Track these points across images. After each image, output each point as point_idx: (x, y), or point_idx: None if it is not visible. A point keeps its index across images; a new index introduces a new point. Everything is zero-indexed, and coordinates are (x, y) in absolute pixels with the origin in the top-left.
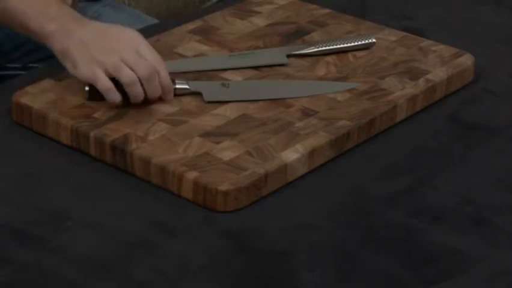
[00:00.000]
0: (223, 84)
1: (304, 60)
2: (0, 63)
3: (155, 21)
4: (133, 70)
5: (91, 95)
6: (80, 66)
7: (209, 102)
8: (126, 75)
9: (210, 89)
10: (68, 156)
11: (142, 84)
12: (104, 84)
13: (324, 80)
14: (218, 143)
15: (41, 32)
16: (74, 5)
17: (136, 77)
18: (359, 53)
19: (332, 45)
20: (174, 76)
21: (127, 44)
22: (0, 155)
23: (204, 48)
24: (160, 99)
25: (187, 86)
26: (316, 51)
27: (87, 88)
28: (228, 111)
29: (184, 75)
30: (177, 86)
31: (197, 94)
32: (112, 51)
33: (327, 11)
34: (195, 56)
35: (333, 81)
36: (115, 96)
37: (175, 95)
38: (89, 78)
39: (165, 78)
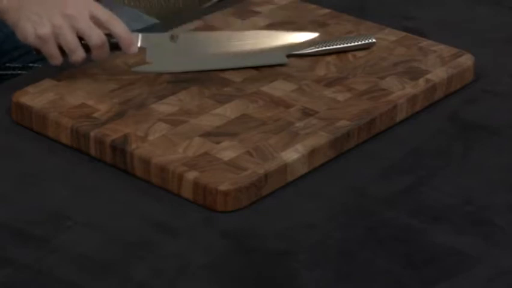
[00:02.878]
0: (172, 38)
1: (304, 60)
2: (0, 63)
3: (155, 21)
4: (84, 37)
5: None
6: (30, 34)
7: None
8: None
9: (155, 44)
10: (68, 156)
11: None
12: (50, 52)
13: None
14: (218, 143)
15: None
16: None
17: (80, 46)
18: (359, 53)
19: (332, 45)
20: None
21: (79, 9)
22: (0, 155)
23: None
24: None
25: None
26: (316, 51)
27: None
28: (228, 111)
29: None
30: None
31: (197, 93)
32: (64, 17)
33: (327, 11)
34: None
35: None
36: (57, 62)
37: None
38: (38, 45)
39: (124, 31)
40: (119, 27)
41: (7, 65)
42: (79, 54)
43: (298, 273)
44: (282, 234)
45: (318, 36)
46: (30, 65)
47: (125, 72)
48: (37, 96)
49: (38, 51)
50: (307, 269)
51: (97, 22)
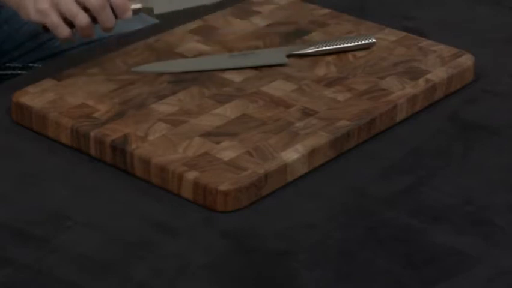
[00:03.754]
0: None
1: (304, 60)
2: (0, 63)
3: (155, 21)
4: (84, 3)
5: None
6: (31, 10)
7: (160, 14)
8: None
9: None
10: (68, 156)
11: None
12: (53, 21)
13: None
14: (218, 143)
15: None
16: None
17: (89, 20)
18: (359, 53)
19: (332, 45)
20: None
21: None
22: (0, 155)
23: (204, 48)
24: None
25: (139, 5)
26: (316, 51)
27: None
28: (228, 111)
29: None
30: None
31: (197, 93)
32: None
33: (327, 11)
34: (194, 56)
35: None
36: (65, 34)
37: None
38: (40, 19)
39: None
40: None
41: (7, 65)
42: (82, 19)
43: (298, 273)
44: (282, 234)
45: (318, 37)
46: (30, 65)
47: (125, 72)
48: (37, 96)
49: (46, 28)
50: (307, 269)
51: None
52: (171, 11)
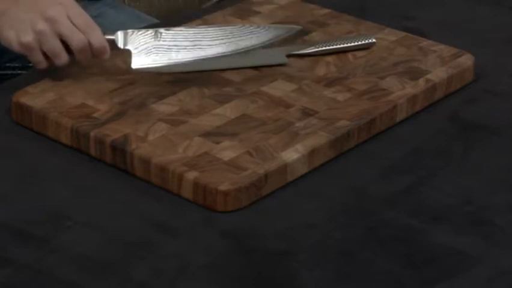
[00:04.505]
0: (156, 35)
1: (304, 60)
2: (0, 63)
3: (155, 21)
4: (66, 41)
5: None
6: (13, 42)
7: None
8: (48, 42)
9: (139, 46)
10: (68, 156)
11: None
12: (35, 59)
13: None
14: (218, 143)
15: None
16: None
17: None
18: (359, 53)
19: (332, 45)
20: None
21: (59, 12)
22: (0, 155)
23: None
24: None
25: (113, 37)
26: (316, 51)
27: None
28: (228, 111)
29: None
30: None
31: (197, 93)
32: (46, 20)
33: (327, 11)
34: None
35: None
36: (43, 67)
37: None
38: (23, 51)
39: (97, 40)
40: (94, 36)
41: (7, 65)
42: (62, 58)
43: (298, 273)
44: (282, 234)
45: (318, 37)
46: (30, 65)
47: (125, 72)
48: (37, 96)
49: (25, 56)
50: (307, 269)
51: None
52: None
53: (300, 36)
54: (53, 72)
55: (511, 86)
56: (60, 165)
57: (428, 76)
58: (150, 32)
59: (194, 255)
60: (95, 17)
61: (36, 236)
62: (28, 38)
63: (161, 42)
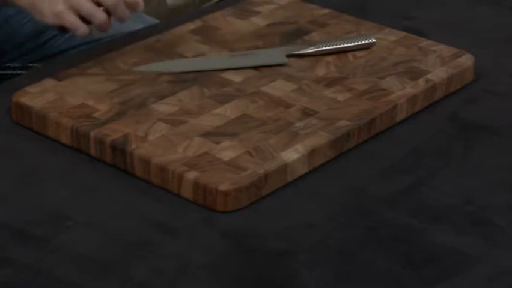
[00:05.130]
0: None
1: (304, 60)
2: (0, 63)
3: (155, 21)
4: (99, 1)
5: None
6: (47, 15)
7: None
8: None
9: None
10: (68, 156)
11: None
12: (68, 16)
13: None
14: (218, 143)
15: None
16: None
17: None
18: (359, 53)
19: (332, 45)
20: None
21: None
22: (0, 155)
23: (204, 48)
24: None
25: None
26: (316, 51)
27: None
28: (228, 111)
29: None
30: None
31: (197, 93)
32: None
33: (327, 11)
34: (194, 56)
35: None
36: (83, 31)
37: None
38: (57, 21)
39: None
40: None
41: (7, 65)
42: (100, 16)
43: (298, 273)
44: (282, 234)
45: (318, 37)
46: (30, 65)
47: (125, 72)
48: (37, 96)
49: (62, 29)
50: (307, 269)
51: None
52: (184, 2)
53: (300, 36)
54: (53, 72)
55: (511, 86)
56: (60, 165)
57: (428, 76)
58: None
59: (194, 255)
60: None
61: (36, 236)
62: (60, 6)
63: None
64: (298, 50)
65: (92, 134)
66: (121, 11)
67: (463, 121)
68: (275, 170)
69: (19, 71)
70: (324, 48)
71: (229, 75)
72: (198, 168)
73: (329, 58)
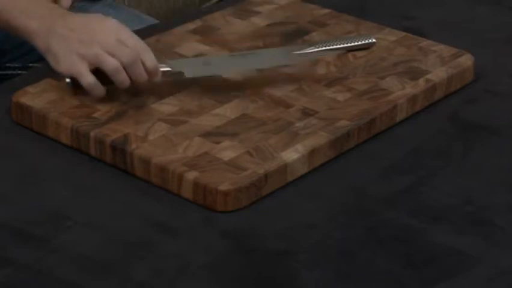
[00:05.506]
0: (205, 62)
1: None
2: (0, 63)
3: (155, 21)
4: (115, 58)
5: (74, 86)
6: (63, 62)
7: (190, 77)
8: (109, 64)
9: (190, 66)
10: (68, 156)
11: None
12: (88, 80)
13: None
14: (218, 143)
15: (24, 30)
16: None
17: (119, 64)
18: (359, 53)
19: (332, 45)
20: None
21: (107, 33)
22: (0, 155)
23: (204, 48)
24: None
25: (169, 68)
26: (316, 51)
27: (68, 80)
28: (228, 111)
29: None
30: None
31: (197, 93)
32: (92, 42)
33: (327, 11)
34: (194, 56)
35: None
36: (99, 91)
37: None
38: (73, 74)
39: (150, 60)
40: (147, 56)
41: (7, 65)
42: (122, 77)
43: (298, 273)
44: (282, 234)
45: (318, 37)
46: (30, 65)
47: None
48: (37, 96)
49: (74, 81)
50: (307, 269)
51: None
52: (202, 75)
53: (300, 36)
54: (53, 72)
55: (511, 86)
56: (60, 165)
57: (428, 76)
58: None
59: (194, 255)
60: None
61: (36, 236)
62: (78, 67)
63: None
64: (298, 50)
65: (92, 134)
66: (138, 71)
67: (463, 121)
68: (275, 170)
69: (19, 71)
70: (324, 48)
71: (229, 75)
72: (198, 168)
73: (329, 58)
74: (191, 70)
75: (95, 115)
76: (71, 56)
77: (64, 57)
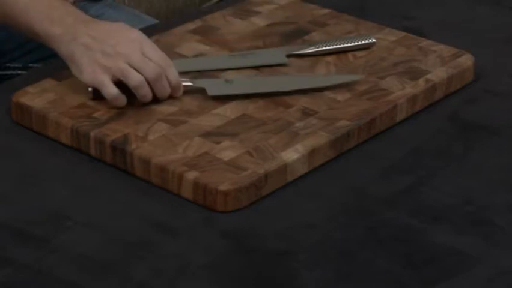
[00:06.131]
0: (227, 81)
1: (304, 60)
2: (0, 63)
3: (155, 21)
4: (139, 72)
5: (95, 95)
6: (86, 71)
7: (213, 97)
8: (133, 79)
9: (213, 84)
10: (68, 156)
11: (149, 85)
12: (110, 91)
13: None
14: (218, 143)
15: (46, 36)
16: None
17: (143, 79)
18: (359, 53)
19: (332, 45)
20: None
21: (131, 46)
22: (0, 155)
23: (204, 48)
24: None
25: (190, 83)
26: (316, 51)
27: (90, 89)
28: (228, 111)
29: (185, 73)
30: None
31: (198, 93)
32: (117, 55)
33: (327, 11)
34: (194, 56)
35: (334, 75)
36: (121, 102)
37: None
38: (95, 84)
39: (173, 76)
40: (170, 71)
41: (7, 65)
42: (145, 92)
43: (298, 273)
44: (282, 234)
45: (318, 36)
46: (30, 65)
47: None
48: (37, 96)
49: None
50: (307, 269)
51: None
52: (225, 94)
53: (300, 36)
54: (53, 72)
55: (511, 86)
56: (60, 165)
57: (428, 76)
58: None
59: (194, 255)
60: (95, 18)
61: (36, 236)
62: (101, 77)
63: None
64: (298, 50)
65: (92, 134)
66: (161, 86)
67: (463, 121)
68: (275, 170)
69: (19, 71)
70: (324, 48)
71: (229, 75)
72: (198, 168)
73: (329, 58)
74: (215, 89)
75: (95, 115)
76: (94, 67)
77: (86, 68)
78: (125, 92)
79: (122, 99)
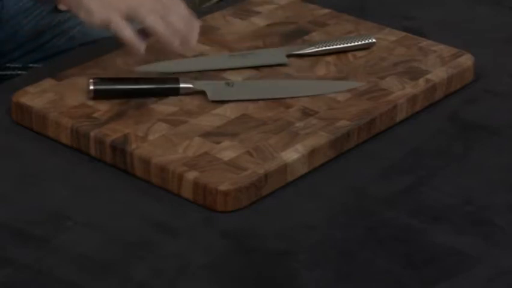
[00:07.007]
0: (228, 84)
1: (304, 60)
2: (0, 63)
3: None
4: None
5: (96, 94)
6: (97, 12)
7: (213, 101)
8: (145, 12)
9: (214, 88)
10: (68, 156)
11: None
12: (127, 31)
13: (325, 80)
14: (218, 143)
15: None
16: None
17: (157, 15)
18: (359, 53)
19: (332, 45)
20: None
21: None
22: (0, 155)
23: (204, 48)
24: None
25: (191, 85)
26: (316, 51)
27: (92, 87)
28: (228, 111)
29: (185, 74)
30: (181, 85)
31: (198, 93)
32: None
33: (327, 11)
34: (194, 56)
35: (335, 81)
36: (139, 46)
37: (179, 94)
38: (109, 25)
39: (184, 8)
40: (182, 7)
41: (7, 65)
42: (162, 26)
43: (298, 273)
44: (282, 234)
45: (318, 36)
46: (30, 65)
47: (125, 72)
48: (37, 96)
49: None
50: (307, 269)
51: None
52: (226, 99)
53: (300, 36)
54: (53, 72)
55: (511, 86)
56: (60, 165)
57: (428, 76)
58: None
59: (194, 255)
60: None
61: (36, 236)
62: (113, 17)
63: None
64: (298, 50)
65: (92, 134)
66: (175, 19)
67: (463, 121)
68: (275, 170)
69: (19, 72)
70: (324, 48)
71: (229, 75)
72: (198, 168)
73: (329, 58)
74: (215, 94)
75: (95, 115)
76: (106, 8)
77: (97, 9)
78: (126, 93)
79: (140, 43)
